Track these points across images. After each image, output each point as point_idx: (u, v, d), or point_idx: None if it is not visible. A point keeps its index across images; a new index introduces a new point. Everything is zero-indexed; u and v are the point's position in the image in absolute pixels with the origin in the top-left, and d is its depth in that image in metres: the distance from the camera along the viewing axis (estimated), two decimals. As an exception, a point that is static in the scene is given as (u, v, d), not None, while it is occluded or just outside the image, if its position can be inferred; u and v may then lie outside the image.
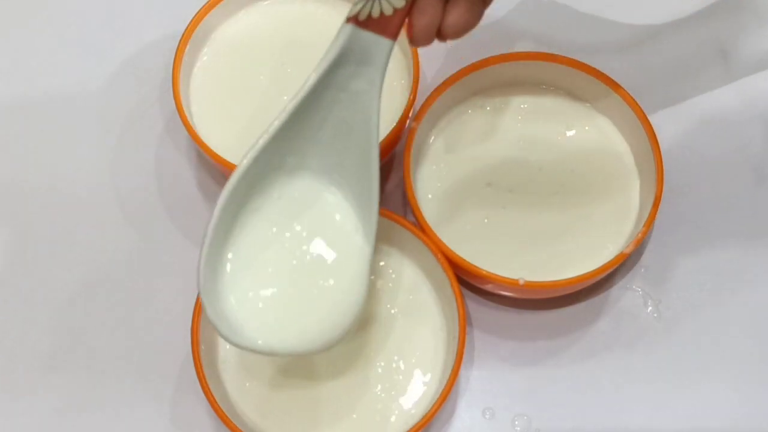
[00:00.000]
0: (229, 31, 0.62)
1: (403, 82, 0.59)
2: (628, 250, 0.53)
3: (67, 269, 0.59)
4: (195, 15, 0.59)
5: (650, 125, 0.56)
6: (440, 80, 0.57)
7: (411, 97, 0.56)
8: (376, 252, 0.52)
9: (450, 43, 0.44)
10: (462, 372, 0.55)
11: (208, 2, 0.60)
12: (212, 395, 0.51)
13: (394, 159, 0.60)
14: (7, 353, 0.58)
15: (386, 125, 0.57)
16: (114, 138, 0.63)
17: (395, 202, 0.60)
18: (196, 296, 0.51)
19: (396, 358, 0.53)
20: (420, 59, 0.57)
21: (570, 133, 0.59)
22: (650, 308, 0.58)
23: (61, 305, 0.58)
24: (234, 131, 0.59)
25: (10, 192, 0.62)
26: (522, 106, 0.60)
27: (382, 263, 0.56)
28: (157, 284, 0.59)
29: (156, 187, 0.62)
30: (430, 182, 0.58)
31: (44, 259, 0.60)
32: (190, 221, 0.60)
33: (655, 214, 0.53)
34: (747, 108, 0.63)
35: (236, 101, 0.60)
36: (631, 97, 0.57)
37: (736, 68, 0.64)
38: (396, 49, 0.60)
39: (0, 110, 0.64)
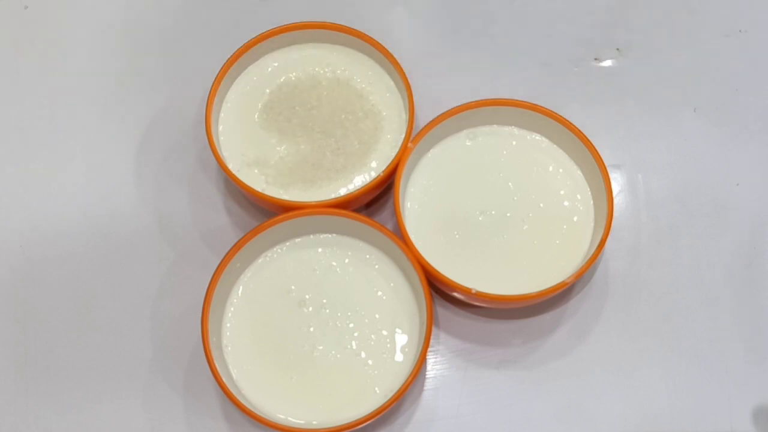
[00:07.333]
0: (255, 74, 0.65)
1: (402, 117, 0.64)
2: (569, 281, 0.57)
3: (110, 283, 0.64)
4: (223, 64, 0.63)
5: (609, 181, 0.60)
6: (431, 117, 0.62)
7: (409, 120, 0.61)
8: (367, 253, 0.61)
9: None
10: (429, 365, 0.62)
11: (236, 51, 0.64)
12: (220, 377, 0.55)
13: (392, 185, 0.63)
14: (31, 349, 0.62)
15: (389, 155, 0.62)
16: (155, 168, 0.68)
17: (385, 214, 0.66)
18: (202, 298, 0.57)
19: (376, 337, 0.59)
20: (414, 101, 0.62)
21: (544, 172, 0.63)
22: (605, 320, 0.62)
23: (109, 310, 0.64)
24: (260, 163, 0.63)
25: (68, 215, 0.67)
26: (513, 143, 0.64)
27: (367, 256, 0.61)
28: (179, 292, 0.63)
29: (189, 212, 0.66)
30: (417, 198, 0.62)
31: (94, 277, 0.64)
32: (217, 241, 0.65)
33: (598, 254, 0.58)
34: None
35: (262, 136, 0.63)
36: (597, 151, 0.61)
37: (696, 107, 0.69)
38: (392, 86, 0.65)
39: (55, 155, 0.69)
